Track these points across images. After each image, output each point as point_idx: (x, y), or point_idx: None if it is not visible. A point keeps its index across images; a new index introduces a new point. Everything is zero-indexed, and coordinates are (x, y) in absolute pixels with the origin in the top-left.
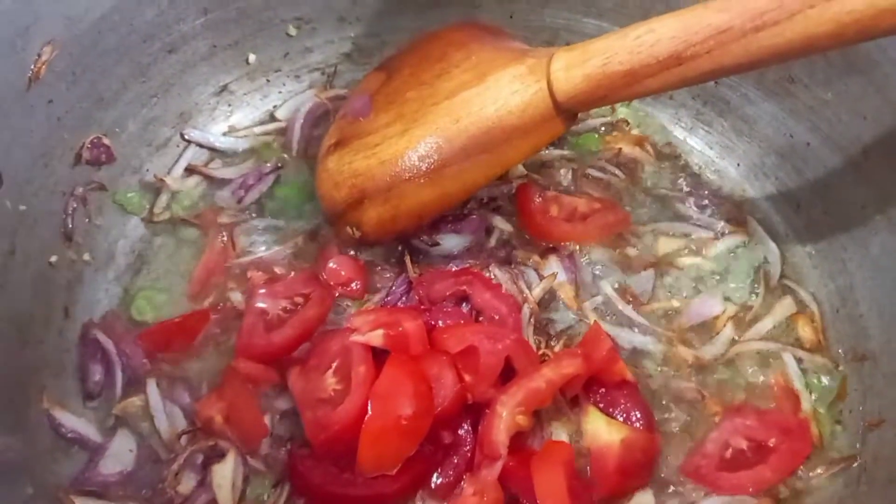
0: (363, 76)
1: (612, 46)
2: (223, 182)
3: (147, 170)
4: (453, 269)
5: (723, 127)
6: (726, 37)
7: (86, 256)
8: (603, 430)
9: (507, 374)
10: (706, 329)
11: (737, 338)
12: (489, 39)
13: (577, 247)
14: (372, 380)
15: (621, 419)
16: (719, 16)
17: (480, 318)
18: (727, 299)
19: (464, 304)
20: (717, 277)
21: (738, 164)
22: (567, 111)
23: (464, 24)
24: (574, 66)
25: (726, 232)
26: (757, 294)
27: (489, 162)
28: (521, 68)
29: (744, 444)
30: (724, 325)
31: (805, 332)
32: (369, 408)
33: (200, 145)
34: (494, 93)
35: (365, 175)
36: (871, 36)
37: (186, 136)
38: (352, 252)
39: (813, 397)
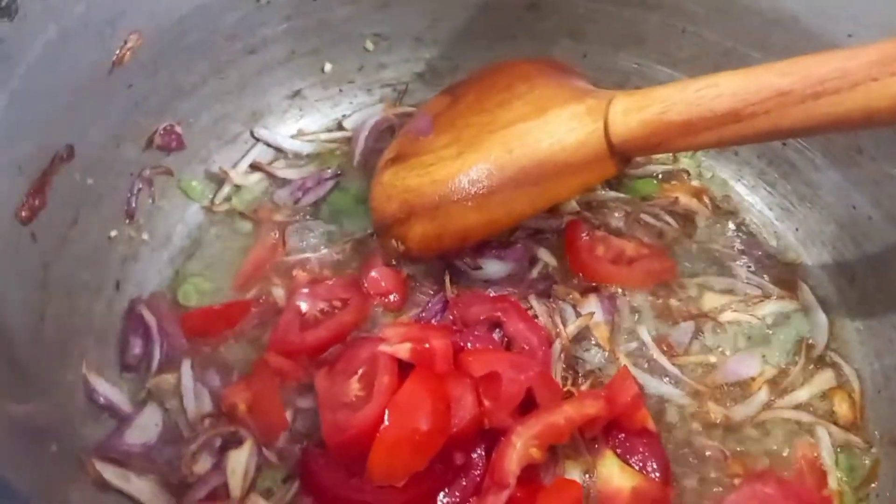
0: (430, 97)
1: (672, 96)
2: (284, 182)
3: (213, 161)
4: (491, 295)
5: (785, 189)
6: (786, 100)
7: (144, 235)
8: (616, 475)
9: (530, 406)
10: (740, 389)
11: (770, 403)
12: (555, 75)
13: (620, 290)
14: (394, 391)
15: (637, 467)
16: (782, 79)
17: (511, 348)
18: (766, 362)
19: (497, 332)
20: (759, 339)
21: (797, 229)
22: (621, 154)
23: (535, 58)
24: (632, 111)
25: (774, 295)
26: (797, 362)
27: (537, 194)
28: (581, 107)
29: None
30: (760, 388)
31: (842, 408)
32: (386, 417)
33: (268, 144)
34: (552, 128)
35: (416, 192)
36: None
37: (256, 135)
38: (395, 265)
39: (841, 476)
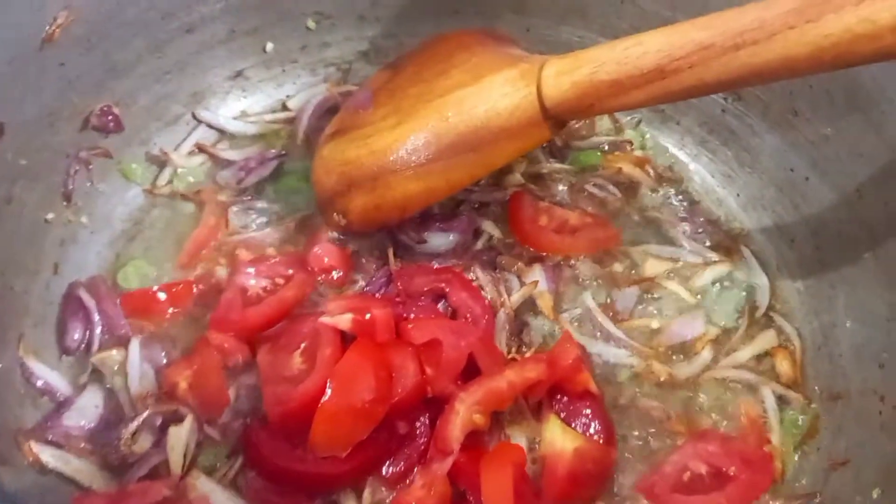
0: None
1: (601, 56)
2: (227, 163)
3: (154, 143)
4: (435, 266)
5: (726, 156)
6: (708, 53)
7: (83, 219)
8: (558, 438)
9: (473, 374)
10: (685, 350)
11: (713, 363)
12: (493, 44)
13: (564, 259)
14: (336, 362)
15: (580, 430)
16: (703, 32)
17: (456, 318)
18: (710, 322)
19: (442, 303)
20: (702, 303)
21: (738, 195)
22: (555, 118)
23: (474, 29)
24: (563, 74)
25: (716, 260)
26: (740, 324)
27: (475, 161)
28: (514, 72)
29: (703, 470)
30: (703, 348)
31: (783, 366)
32: (328, 388)
33: (210, 126)
34: (486, 94)
35: (354, 164)
36: (850, 62)
37: (197, 116)
38: (339, 239)
39: (783, 431)
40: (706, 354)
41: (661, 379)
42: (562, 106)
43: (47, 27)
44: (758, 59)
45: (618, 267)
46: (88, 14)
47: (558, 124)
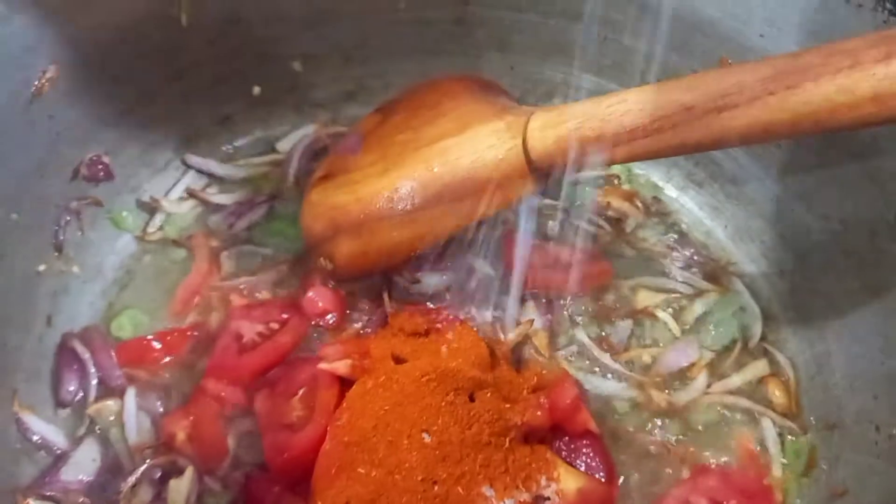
0: (363, 116)
1: (586, 112)
2: (218, 207)
3: (144, 190)
4: (430, 308)
5: (713, 188)
6: (690, 115)
7: (74, 269)
8: (562, 478)
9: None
10: (681, 377)
11: (709, 387)
12: (480, 93)
13: (556, 295)
14: (335, 408)
15: (582, 468)
16: (686, 94)
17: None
18: (704, 348)
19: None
20: (696, 331)
21: (726, 226)
22: (540, 170)
23: (463, 76)
24: (549, 128)
25: (706, 290)
26: (732, 354)
27: (461, 210)
28: (500, 124)
29: None
30: (699, 373)
31: (776, 395)
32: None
33: (199, 171)
34: (472, 145)
35: (342, 209)
36: (828, 129)
37: (186, 161)
38: (331, 284)
39: (786, 462)
40: (702, 379)
41: (662, 406)
42: (546, 159)
43: (36, 82)
44: (738, 122)
45: (610, 300)
46: (75, 67)
47: (543, 176)
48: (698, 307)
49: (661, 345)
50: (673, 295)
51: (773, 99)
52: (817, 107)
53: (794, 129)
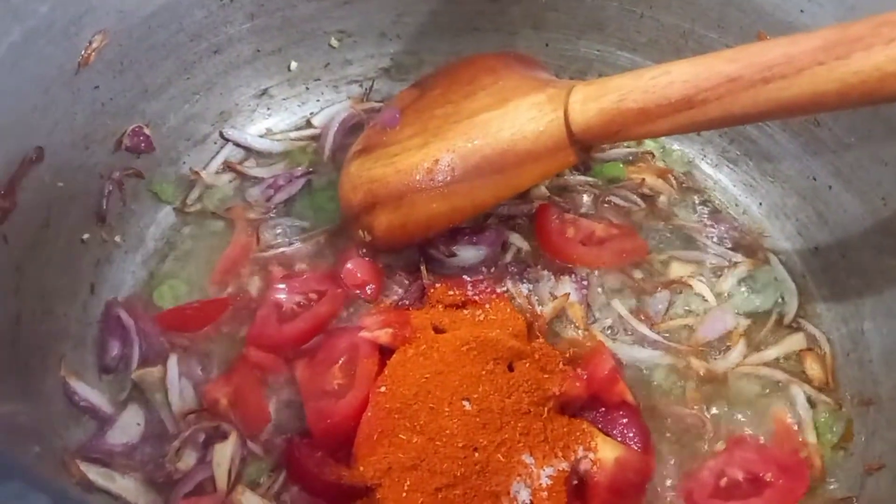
0: (399, 91)
1: (628, 84)
2: (255, 180)
3: (184, 162)
4: (468, 280)
5: (747, 165)
6: (735, 85)
7: (117, 238)
8: (599, 448)
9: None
10: (719, 345)
11: (747, 357)
12: (519, 68)
13: (592, 270)
14: (376, 376)
15: (619, 439)
16: (730, 65)
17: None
18: (740, 316)
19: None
20: (730, 301)
21: (761, 204)
22: (580, 143)
23: (500, 52)
24: (590, 100)
25: (742, 264)
26: (770, 320)
27: (500, 183)
28: (541, 97)
29: (740, 476)
30: (738, 341)
31: (813, 369)
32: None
33: (237, 144)
34: (512, 117)
35: (380, 182)
36: (877, 99)
37: (225, 135)
38: (367, 256)
39: (820, 435)
40: (740, 348)
41: (700, 373)
42: (588, 132)
43: (83, 52)
44: (785, 93)
45: (644, 274)
46: (121, 37)
47: (583, 149)
48: (733, 277)
49: (697, 314)
50: (707, 265)
51: (822, 69)
52: (867, 76)
53: (841, 99)
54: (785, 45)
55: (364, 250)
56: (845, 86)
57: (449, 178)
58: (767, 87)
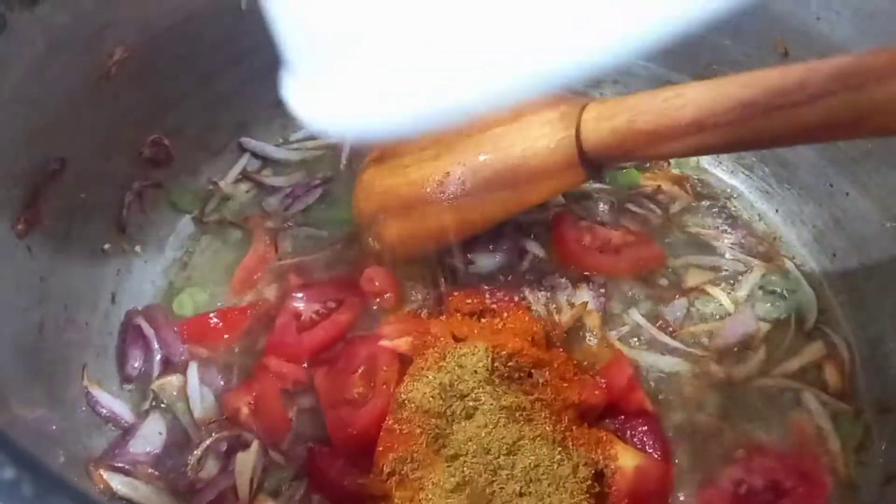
0: None
1: (641, 104)
2: (273, 189)
3: (202, 173)
4: (485, 289)
5: (763, 172)
6: (748, 112)
7: (137, 248)
8: (619, 456)
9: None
10: (740, 351)
11: (767, 366)
12: None
13: (608, 277)
14: (396, 385)
15: (638, 447)
16: (744, 90)
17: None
18: (761, 320)
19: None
20: (749, 306)
21: (777, 210)
22: (592, 161)
23: None
24: (603, 119)
25: (760, 270)
26: (790, 328)
27: (510, 198)
28: (554, 114)
29: (760, 483)
30: (759, 346)
31: (831, 377)
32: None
33: (255, 154)
34: (524, 133)
35: (392, 192)
36: (890, 131)
37: (243, 145)
38: (383, 264)
39: (838, 443)
40: (761, 353)
41: (720, 380)
42: (599, 151)
43: (105, 64)
44: (798, 121)
45: (662, 280)
46: (142, 49)
47: (594, 168)
48: (750, 283)
49: (716, 320)
50: (724, 272)
51: (835, 99)
52: (882, 107)
53: (855, 129)
54: (799, 72)
55: (379, 259)
56: (859, 115)
57: (460, 190)
58: (780, 114)
